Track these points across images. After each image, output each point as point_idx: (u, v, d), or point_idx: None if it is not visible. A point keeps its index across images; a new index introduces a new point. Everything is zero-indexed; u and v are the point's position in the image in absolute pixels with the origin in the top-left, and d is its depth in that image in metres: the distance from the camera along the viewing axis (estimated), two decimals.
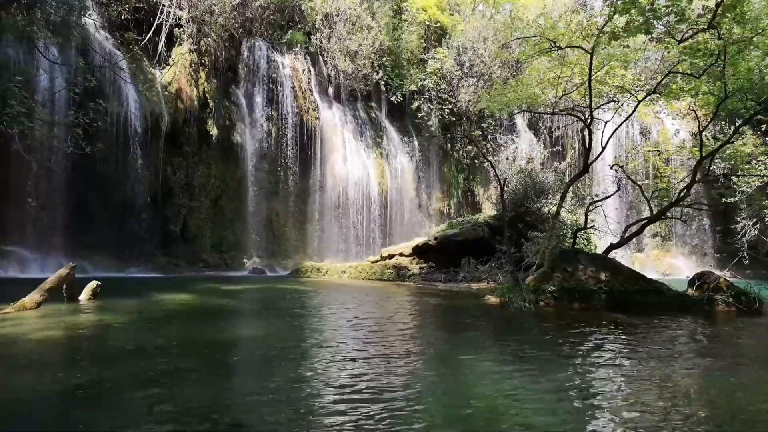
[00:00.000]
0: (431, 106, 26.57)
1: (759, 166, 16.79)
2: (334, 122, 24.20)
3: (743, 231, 21.19)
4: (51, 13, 13.89)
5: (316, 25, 24.71)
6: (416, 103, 26.62)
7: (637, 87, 14.09)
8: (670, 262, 25.16)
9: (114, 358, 5.33)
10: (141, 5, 19.56)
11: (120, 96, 17.86)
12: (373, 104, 26.67)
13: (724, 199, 19.07)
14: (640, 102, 13.05)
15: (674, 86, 12.74)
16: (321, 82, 24.77)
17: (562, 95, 14.45)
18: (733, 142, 13.66)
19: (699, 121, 14.10)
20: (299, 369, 4.95)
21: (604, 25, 11.37)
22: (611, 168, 15.51)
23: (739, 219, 21.64)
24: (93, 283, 9.43)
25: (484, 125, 27.24)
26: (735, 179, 18.03)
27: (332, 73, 24.93)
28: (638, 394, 4.38)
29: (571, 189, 15.78)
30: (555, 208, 13.70)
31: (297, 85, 23.18)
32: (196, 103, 20.27)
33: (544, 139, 28.64)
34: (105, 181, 17.35)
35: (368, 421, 3.54)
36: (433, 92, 26.56)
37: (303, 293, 12.47)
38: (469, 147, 27.15)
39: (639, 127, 28.05)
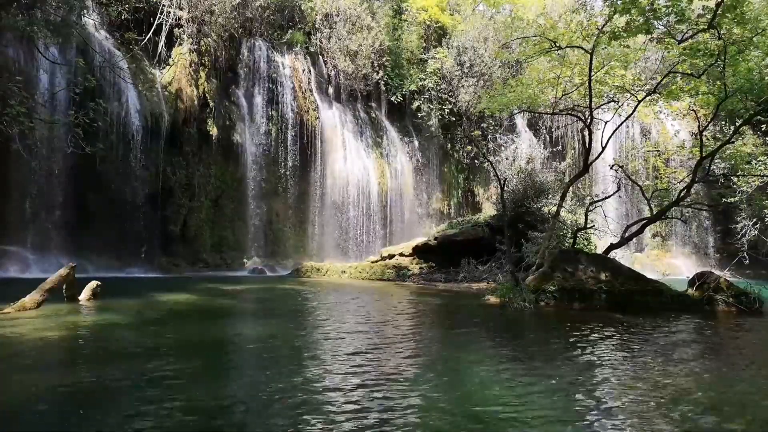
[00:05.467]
0: (431, 106, 26.57)
1: (759, 166, 16.79)
2: (334, 122, 24.20)
3: (743, 231, 21.19)
4: (51, 13, 13.89)
5: (316, 25, 24.72)
6: (416, 103, 26.62)
7: (637, 87, 14.08)
8: (670, 262, 25.14)
9: (114, 358, 5.33)
10: (141, 5, 19.57)
11: (120, 96, 17.87)
12: (373, 104, 26.68)
13: (724, 199, 19.07)
14: (640, 102, 13.05)
15: (674, 86, 12.74)
16: (321, 82, 24.77)
17: (562, 95, 14.45)
18: (733, 142, 13.66)
19: (699, 121, 14.10)
20: (299, 370, 4.94)
21: (604, 25, 11.37)
22: (611, 168, 15.50)
23: (739, 219, 21.64)
24: (93, 283, 9.43)
25: (484, 125, 27.24)
26: (735, 179, 18.02)
27: (332, 73, 24.93)
28: (638, 394, 4.38)
29: (571, 189, 15.78)
30: (555, 208, 13.71)
31: (297, 85, 23.18)
32: (196, 103, 20.28)
33: (544, 139, 28.65)
34: (105, 181, 17.35)
35: (367, 422, 3.54)
36: (433, 92, 26.57)
37: (303, 293, 12.47)
38: (469, 147, 27.16)
39: (639, 127, 28.05)
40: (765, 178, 16.55)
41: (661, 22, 11.16)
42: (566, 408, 3.98)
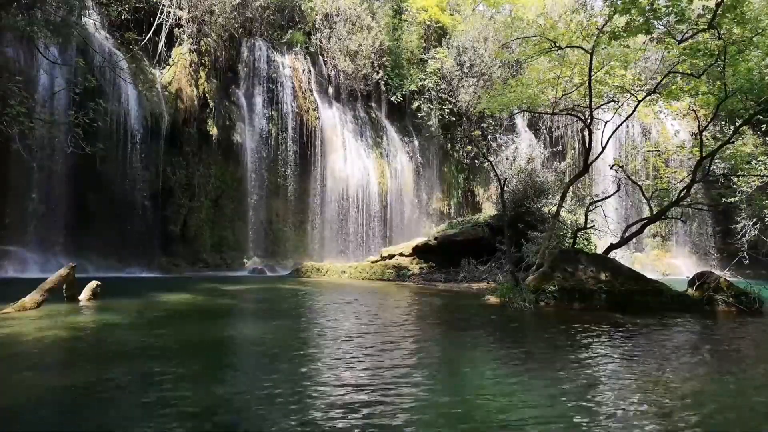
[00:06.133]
0: (431, 106, 26.57)
1: (759, 166, 16.79)
2: (334, 122, 24.21)
3: (743, 231, 21.20)
4: (51, 13, 13.90)
5: (316, 25, 24.73)
6: (416, 103, 26.62)
7: (637, 87, 14.08)
8: (670, 262, 25.14)
9: (114, 358, 5.33)
10: (141, 5, 19.57)
11: (120, 96, 17.87)
12: (373, 104, 26.68)
13: (724, 199, 19.07)
14: (640, 102, 13.05)
15: (674, 86, 12.74)
16: (321, 82, 24.77)
17: (562, 95, 14.45)
18: (733, 142, 13.66)
19: (699, 121, 14.10)
20: (299, 370, 4.94)
21: (604, 25, 11.37)
22: (611, 168, 15.50)
23: (739, 219, 21.64)
24: (93, 283, 9.43)
25: (484, 125, 27.25)
26: (735, 179, 18.02)
27: (332, 73, 24.93)
28: (638, 394, 4.38)
29: (571, 189, 15.77)
30: (555, 208, 13.71)
31: (297, 85, 23.19)
32: (196, 103, 20.28)
33: (544, 139, 28.64)
34: (105, 181, 17.35)
35: (367, 423, 3.54)
36: (433, 92, 26.57)
37: (303, 293, 12.47)
38: (469, 147, 27.16)
39: (639, 127, 28.05)
40: (765, 178, 16.55)
41: (661, 22, 11.16)
42: (567, 408, 3.98)
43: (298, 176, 22.78)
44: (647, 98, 12.97)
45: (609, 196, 14.44)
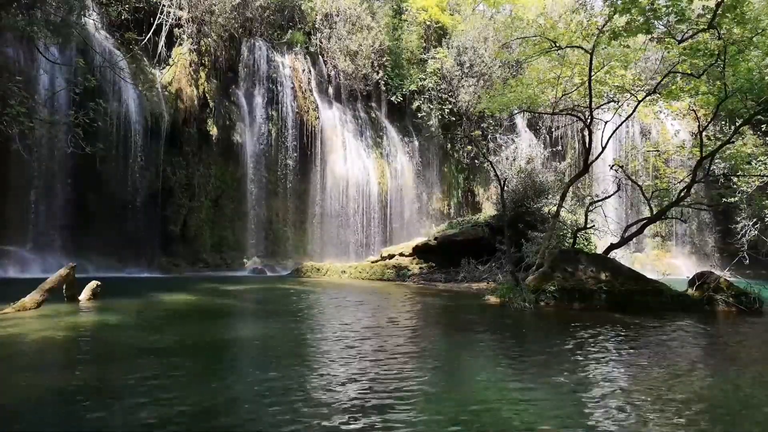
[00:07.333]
0: (431, 106, 26.57)
1: (759, 166, 16.79)
2: (334, 122, 24.20)
3: (743, 231, 21.20)
4: (51, 13, 13.89)
5: (316, 25, 24.72)
6: (416, 103, 26.61)
7: (637, 87, 14.08)
8: (670, 262, 25.13)
9: (114, 358, 5.33)
10: (141, 5, 19.57)
11: (120, 96, 17.88)
12: (373, 104, 26.67)
13: (724, 199, 19.06)
14: (640, 102, 13.05)
15: (674, 86, 12.73)
16: (321, 82, 24.77)
17: (562, 95, 14.45)
18: (733, 142, 13.66)
19: (699, 121, 14.10)
20: (299, 370, 4.94)
21: (604, 25, 11.37)
22: (611, 168, 15.50)
23: (739, 219, 21.64)
24: (93, 283, 9.43)
25: (484, 125, 27.24)
26: (735, 179, 18.02)
27: (332, 73, 24.93)
28: (638, 394, 4.38)
29: (571, 189, 15.77)
30: (555, 208, 13.70)
31: (297, 85, 23.18)
32: (196, 103, 20.27)
33: (544, 139, 28.64)
34: (105, 181, 17.35)
35: (367, 423, 3.53)
36: (433, 92, 26.56)
37: (303, 293, 12.46)
38: (469, 147, 27.16)
39: (639, 127, 28.05)
40: (765, 178, 16.55)
41: (661, 22, 11.16)
42: (566, 408, 3.98)
43: (298, 176, 22.78)
44: (647, 98, 12.97)
45: (609, 196, 14.44)
